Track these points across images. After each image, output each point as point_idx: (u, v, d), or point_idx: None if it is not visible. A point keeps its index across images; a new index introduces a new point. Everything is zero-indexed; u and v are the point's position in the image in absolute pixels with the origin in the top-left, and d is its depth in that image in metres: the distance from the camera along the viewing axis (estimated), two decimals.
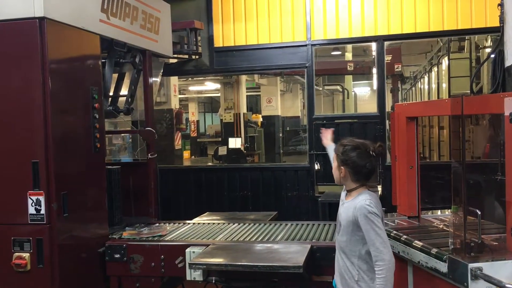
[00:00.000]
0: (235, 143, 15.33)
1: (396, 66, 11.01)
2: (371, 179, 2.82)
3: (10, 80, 3.20)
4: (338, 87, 19.05)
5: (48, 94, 3.17)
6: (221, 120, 17.70)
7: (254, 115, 17.56)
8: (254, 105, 21.66)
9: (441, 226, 3.83)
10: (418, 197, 4.08)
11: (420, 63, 16.98)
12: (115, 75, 4.83)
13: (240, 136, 16.19)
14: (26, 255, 3.17)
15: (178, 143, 11.52)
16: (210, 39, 6.59)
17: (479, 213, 2.83)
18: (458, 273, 2.80)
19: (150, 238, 3.79)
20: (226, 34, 6.60)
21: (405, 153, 4.09)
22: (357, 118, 6.49)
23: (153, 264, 3.60)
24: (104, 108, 4.56)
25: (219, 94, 19.06)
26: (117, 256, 3.65)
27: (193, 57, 6.47)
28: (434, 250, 3.02)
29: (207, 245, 3.50)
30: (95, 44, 3.73)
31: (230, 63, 6.62)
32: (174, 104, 11.55)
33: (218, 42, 6.62)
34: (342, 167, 2.75)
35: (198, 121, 27.46)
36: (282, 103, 18.86)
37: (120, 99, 4.82)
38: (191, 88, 22.75)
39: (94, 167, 3.66)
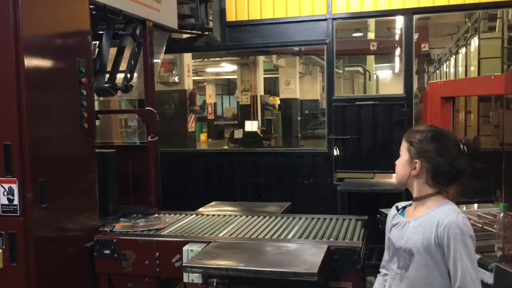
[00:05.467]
0: (251, 126, 14.87)
1: (423, 46, 10.31)
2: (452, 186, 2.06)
3: None
4: (360, 69, 18.35)
5: (22, 66, 2.70)
6: (238, 102, 17.23)
7: (271, 98, 17.03)
8: (272, 87, 21.12)
9: (480, 225, 3.31)
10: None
11: (445, 45, 16.19)
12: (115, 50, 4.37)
13: (257, 119, 15.72)
14: None
15: (191, 125, 11.08)
16: (222, 12, 6.07)
17: None
18: (508, 286, 2.29)
19: (145, 232, 3.34)
20: (239, 8, 6.07)
21: None
22: (380, 100, 5.93)
23: (147, 262, 3.15)
24: (100, 85, 4.15)
25: (236, 76, 18.55)
26: (107, 252, 3.21)
27: (205, 32, 5.97)
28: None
29: (208, 242, 3.03)
30: (82, 9, 3.25)
31: (243, 39, 6.11)
32: (188, 84, 11.11)
33: (231, 16, 6.10)
34: (416, 161, 1.99)
35: (215, 104, 27.06)
36: (301, 85, 18.29)
37: (120, 76, 4.36)
38: (208, 69, 22.30)
39: (81, 150, 3.21)
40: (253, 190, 6.02)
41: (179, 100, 10.75)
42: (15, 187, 2.73)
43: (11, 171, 2.72)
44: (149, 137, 4.12)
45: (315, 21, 5.80)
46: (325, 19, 5.73)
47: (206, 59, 15.95)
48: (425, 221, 1.94)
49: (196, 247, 2.98)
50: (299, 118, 17.32)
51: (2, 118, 2.74)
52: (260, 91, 16.41)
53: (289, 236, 3.19)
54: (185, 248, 2.99)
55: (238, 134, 14.55)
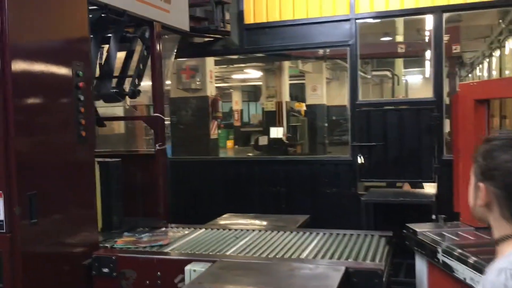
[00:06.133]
0: (276, 132, 14.59)
1: (454, 47, 9.80)
2: None
3: None
4: (387, 73, 17.85)
5: (8, 71, 2.49)
6: (263, 109, 16.97)
7: (297, 104, 16.70)
8: (299, 93, 20.81)
9: None
10: None
11: (478, 48, 15.57)
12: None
13: (282, 126, 15.41)
14: None
15: (214, 132, 10.85)
16: (240, 15, 5.82)
17: None
18: None
19: (147, 249, 3.08)
20: (258, 9, 5.82)
21: (471, 145, 3.17)
22: (408, 104, 5.57)
23: (148, 282, 2.88)
24: (106, 91, 3.95)
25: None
26: (105, 270, 2.96)
27: (223, 36, 5.73)
28: None
29: (214, 261, 2.74)
30: (80, 9, 3.03)
31: (262, 42, 5.85)
32: (210, 91, 10.90)
33: (249, 19, 5.85)
34: (481, 185, 1.38)
35: (242, 110, 26.90)
36: (328, 91, 17.91)
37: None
38: (234, 76, 22.16)
39: (78, 160, 2.98)
40: (273, 200, 5.73)
41: (201, 106, 10.57)
42: (0, 201, 2.51)
43: None
44: (157, 145, 3.87)
45: (337, 21, 5.50)
46: (348, 20, 5.42)
47: (230, 65, 15.79)
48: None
49: (200, 267, 2.70)
50: (326, 125, 16.93)
51: None
52: (286, 97, 16.12)
53: (304, 255, 2.88)
54: (187, 268, 2.71)
55: (263, 140, 14.28)
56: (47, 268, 2.74)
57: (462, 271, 2.55)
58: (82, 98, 2.97)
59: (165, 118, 3.91)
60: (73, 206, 2.93)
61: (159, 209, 3.86)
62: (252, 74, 19.04)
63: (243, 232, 3.44)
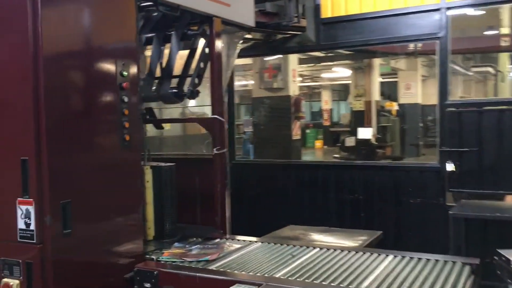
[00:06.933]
0: (365, 133, 13.87)
1: None
2: None
3: None
4: (490, 69, 16.36)
5: (41, 69, 2.33)
6: (351, 108, 16.30)
7: (388, 103, 15.80)
8: (392, 92, 19.80)
9: None
10: None
11: None
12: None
13: (371, 126, 14.65)
14: (14, 282, 2.40)
15: (296, 133, 10.49)
16: (317, 8, 5.43)
17: None
18: None
19: (192, 264, 2.81)
20: (336, 2, 5.40)
21: None
22: (508, 104, 4.82)
23: None
24: (165, 92, 3.76)
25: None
26: (147, 285, 2.74)
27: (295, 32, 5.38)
28: None
29: (259, 285, 2.41)
30: (127, 4, 2.82)
31: (340, 37, 5.42)
32: (293, 90, 10.56)
33: (326, 12, 5.44)
34: None
35: (331, 110, 26.26)
36: (423, 89, 16.82)
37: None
38: (324, 75, 21.63)
39: (120, 165, 2.78)
40: (350, 208, 5.29)
41: (283, 106, 10.26)
42: (31, 209, 2.36)
43: (28, 190, 2.36)
44: (214, 149, 3.61)
45: (426, 11, 4.93)
46: (438, 9, 4.83)
47: (317, 64, 15.32)
48: None
49: None
50: (420, 125, 15.87)
51: (19, 130, 2.39)
52: (375, 96, 15.32)
53: (365, 284, 2.44)
54: None
55: (350, 141, 13.64)
56: (82, 282, 2.56)
57: None
58: (126, 99, 2.78)
59: (223, 120, 3.62)
60: (114, 215, 2.74)
61: (216, 218, 3.60)
62: (342, 72, 18.40)
63: (301, 249, 3.05)
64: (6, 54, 2.42)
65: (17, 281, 2.39)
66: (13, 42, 2.40)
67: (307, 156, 19.46)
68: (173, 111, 7.92)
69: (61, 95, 2.44)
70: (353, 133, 14.48)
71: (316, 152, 22.25)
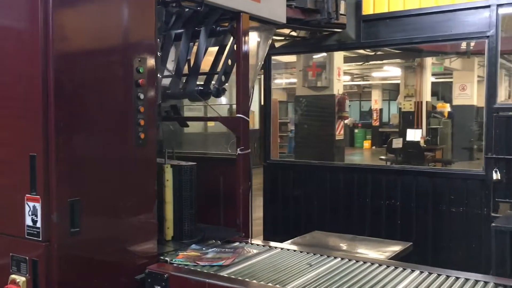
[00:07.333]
0: (414, 135, 13.38)
1: None
2: None
3: None
4: None
5: (49, 62, 2.28)
6: (400, 109, 15.80)
7: (439, 104, 15.22)
8: (445, 92, 19.04)
9: None
10: None
11: None
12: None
13: (421, 128, 14.13)
14: (21, 279, 2.38)
15: (339, 133, 10.24)
16: (358, 5, 5.21)
17: None
18: None
19: (205, 269, 2.71)
20: None
21: None
22: None
23: None
24: (190, 89, 3.68)
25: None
26: None
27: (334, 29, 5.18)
28: None
29: None
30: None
31: (382, 34, 5.17)
32: (337, 89, 10.33)
33: (368, 9, 5.21)
34: None
35: (381, 110, 25.62)
36: (480, 91, 16.06)
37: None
38: (374, 74, 21.12)
39: (134, 164, 2.71)
40: (386, 215, 5.04)
41: (327, 105, 10.04)
42: (38, 206, 2.33)
43: (35, 187, 2.32)
44: (238, 149, 3.49)
45: (474, 8, 4.61)
46: (488, 6, 4.50)
47: (366, 63, 14.93)
48: None
49: None
50: (476, 128, 15.17)
51: (28, 125, 2.37)
52: (427, 96, 14.77)
53: None
54: None
55: (397, 143, 13.17)
56: (91, 282, 2.51)
57: None
58: (142, 96, 2.70)
59: (247, 119, 3.50)
60: (126, 215, 2.67)
61: (237, 220, 3.48)
62: (393, 71, 17.87)
63: (322, 258, 2.89)
64: (16, 48, 2.40)
65: (23, 278, 2.37)
66: (23, 37, 2.37)
67: (354, 157, 19.06)
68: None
69: (71, 91, 2.39)
70: (402, 134, 14.03)
71: (364, 152, 21.78)
